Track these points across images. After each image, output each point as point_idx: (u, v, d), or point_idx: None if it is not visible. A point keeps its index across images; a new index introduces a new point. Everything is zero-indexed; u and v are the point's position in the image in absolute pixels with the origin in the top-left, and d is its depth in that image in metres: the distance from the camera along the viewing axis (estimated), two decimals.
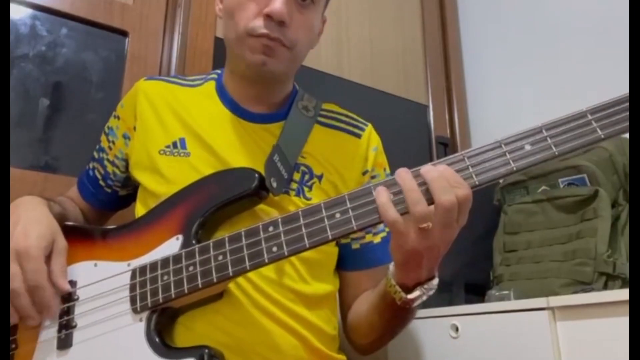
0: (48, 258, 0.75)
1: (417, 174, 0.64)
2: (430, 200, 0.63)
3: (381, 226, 0.91)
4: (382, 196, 0.64)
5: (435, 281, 0.71)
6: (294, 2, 0.82)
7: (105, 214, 1.03)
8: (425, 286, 0.70)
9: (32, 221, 0.75)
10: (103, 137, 0.97)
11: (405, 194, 0.63)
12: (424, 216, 0.62)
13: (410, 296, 0.70)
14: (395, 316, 0.77)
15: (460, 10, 2.07)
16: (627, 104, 0.59)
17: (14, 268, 0.71)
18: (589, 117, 0.60)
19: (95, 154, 0.98)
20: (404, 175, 0.64)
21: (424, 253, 0.66)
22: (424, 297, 0.71)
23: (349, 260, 0.91)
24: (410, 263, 0.68)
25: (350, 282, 0.91)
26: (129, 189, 0.98)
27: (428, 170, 0.64)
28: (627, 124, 0.58)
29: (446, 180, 0.62)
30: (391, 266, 0.72)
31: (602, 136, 0.59)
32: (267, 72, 0.84)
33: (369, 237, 0.90)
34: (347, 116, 0.97)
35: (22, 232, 0.73)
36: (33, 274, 0.71)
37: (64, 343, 0.74)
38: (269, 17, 0.79)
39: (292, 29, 0.82)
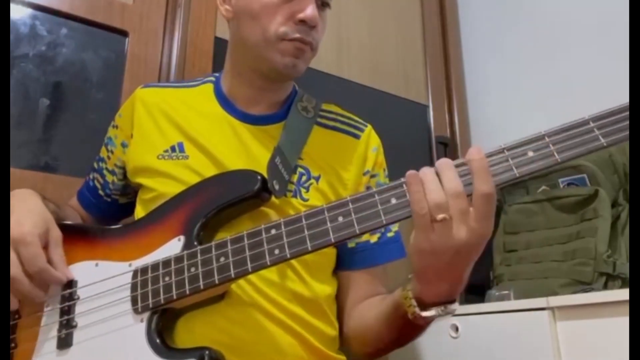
0: (45, 249, 0.75)
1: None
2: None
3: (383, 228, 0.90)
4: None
5: (455, 305, 0.65)
6: (317, 5, 0.84)
7: (106, 224, 1.02)
8: (442, 308, 0.64)
9: (26, 211, 0.76)
10: (103, 148, 0.98)
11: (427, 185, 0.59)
12: (439, 204, 0.58)
13: (424, 313, 0.64)
14: (406, 329, 0.73)
15: (460, 10, 2.07)
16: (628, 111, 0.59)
17: (11, 256, 0.71)
18: (591, 124, 0.60)
19: (95, 164, 0.99)
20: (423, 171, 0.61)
21: (444, 257, 0.60)
22: (438, 318, 0.64)
23: (343, 259, 0.89)
24: (428, 270, 0.62)
25: (345, 283, 0.89)
26: (129, 197, 0.98)
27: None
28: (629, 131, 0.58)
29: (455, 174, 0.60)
30: (411, 275, 0.67)
31: (605, 144, 0.59)
32: (294, 73, 0.86)
33: (365, 236, 0.88)
34: (346, 117, 0.97)
35: (16, 222, 0.74)
36: (33, 259, 0.72)
37: (64, 342, 0.74)
38: (302, 22, 0.81)
39: (317, 32, 0.85)
